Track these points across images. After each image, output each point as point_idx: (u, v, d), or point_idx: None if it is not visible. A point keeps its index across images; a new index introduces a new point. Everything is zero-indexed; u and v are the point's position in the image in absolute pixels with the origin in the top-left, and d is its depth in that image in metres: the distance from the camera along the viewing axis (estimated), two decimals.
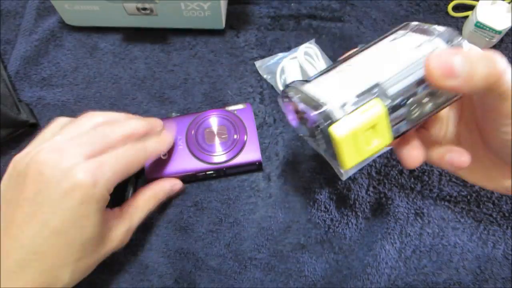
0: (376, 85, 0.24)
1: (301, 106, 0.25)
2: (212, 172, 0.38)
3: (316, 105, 0.23)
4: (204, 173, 0.38)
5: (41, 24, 0.48)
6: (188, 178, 0.39)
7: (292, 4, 0.50)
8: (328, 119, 0.23)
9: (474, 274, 0.36)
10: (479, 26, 0.44)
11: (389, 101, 0.23)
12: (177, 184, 0.38)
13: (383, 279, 0.36)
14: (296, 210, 0.38)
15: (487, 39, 0.45)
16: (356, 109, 0.23)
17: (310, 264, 0.36)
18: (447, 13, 0.49)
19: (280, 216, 0.38)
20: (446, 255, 0.36)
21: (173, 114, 0.42)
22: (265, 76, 0.45)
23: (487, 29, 0.44)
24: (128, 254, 0.37)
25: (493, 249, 0.36)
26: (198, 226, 0.38)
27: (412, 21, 0.49)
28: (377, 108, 0.23)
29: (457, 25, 0.48)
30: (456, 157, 0.26)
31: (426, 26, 0.26)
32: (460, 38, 0.24)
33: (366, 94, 0.23)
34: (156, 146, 0.34)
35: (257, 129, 0.42)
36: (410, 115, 0.24)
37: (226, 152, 0.38)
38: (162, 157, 0.38)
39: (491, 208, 0.38)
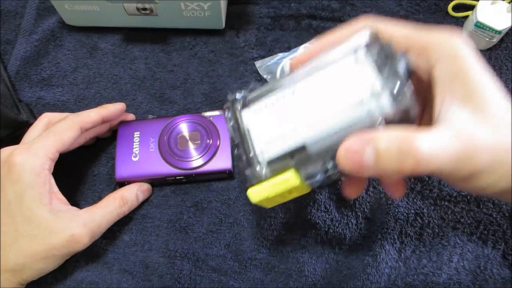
0: (302, 148, 0.24)
1: (234, 140, 0.28)
2: (182, 177, 0.38)
3: (245, 158, 0.26)
4: (173, 178, 0.38)
5: (41, 24, 0.48)
6: (157, 182, 0.39)
7: (292, 4, 0.50)
8: (248, 181, 0.26)
9: (474, 274, 0.36)
10: (479, 26, 0.44)
11: (308, 170, 0.24)
12: (143, 185, 0.38)
13: (383, 279, 0.36)
14: (296, 210, 0.38)
15: (487, 39, 0.45)
16: (273, 177, 0.25)
17: (310, 264, 0.36)
18: (447, 13, 0.49)
19: (280, 216, 0.38)
20: (446, 255, 0.36)
21: (150, 116, 0.41)
22: (265, 76, 0.45)
23: (487, 29, 0.44)
24: (128, 254, 0.37)
25: (493, 249, 0.36)
26: (198, 226, 0.38)
27: (411, 21, 0.49)
28: (291, 181, 0.24)
29: (457, 25, 0.48)
30: (392, 192, 0.29)
31: (388, 59, 0.22)
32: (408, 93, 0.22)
33: (288, 158, 0.24)
34: (85, 113, 0.36)
35: None
36: (328, 179, 0.24)
37: (197, 158, 0.38)
38: (133, 159, 0.38)
39: (491, 208, 0.38)
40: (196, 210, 0.39)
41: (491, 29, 0.43)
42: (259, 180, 0.25)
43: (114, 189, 0.37)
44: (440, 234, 0.37)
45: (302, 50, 0.44)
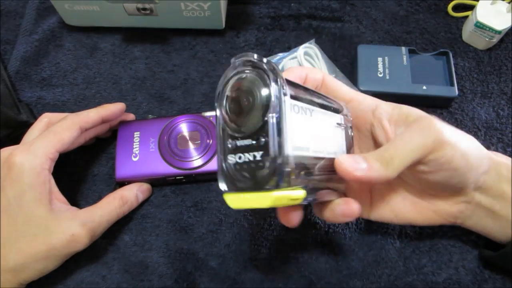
0: (313, 165, 0.25)
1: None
2: (182, 177, 0.38)
3: (275, 149, 0.22)
4: (173, 178, 0.38)
5: (41, 24, 0.48)
6: (157, 182, 0.39)
7: (292, 4, 0.50)
8: (275, 178, 0.22)
9: (473, 273, 0.36)
10: (479, 26, 0.44)
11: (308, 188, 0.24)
12: (143, 185, 0.38)
13: (383, 279, 0.36)
14: None
15: (487, 39, 0.45)
16: (286, 189, 0.22)
17: (310, 264, 0.36)
18: (447, 13, 0.49)
19: None
20: (446, 255, 0.36)
21: (150, 116, 0.41)
22: None
23: (487, 29, 0.44)
24: (128, 254, 0.37)
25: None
26: (198, 226, 0.38)
27: (411, 21, 0.49)
28: (299, 193, 0.23)
29: (457, 25, 0.48)
30: (345, 207, 0.28)
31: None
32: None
33: (304, 172, 0.24)
34: (85, 113, 0.36)
35: None
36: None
37: (197, 158, 0.38)
38: (133, 159, 0.38)
39: None
40: (196, 210, 0.39)
41: (491, 29, 0.43)
42: (285, 185, 0.22)
43: (114, 189, 0.37)
44: (439, 233, 0.37)
45: (302, 50, 0.44)
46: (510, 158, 0.32)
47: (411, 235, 0.37)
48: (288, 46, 0.47)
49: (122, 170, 0.37)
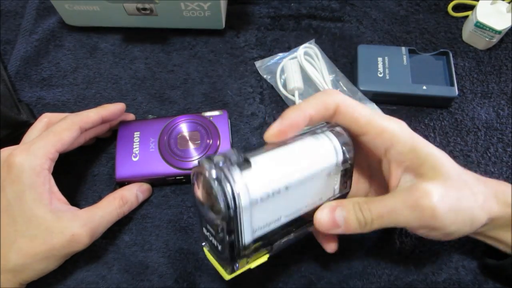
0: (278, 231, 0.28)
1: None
2: (182, 177, 0.38)
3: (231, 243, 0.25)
4: (173, 178, 0.38)
5: (41, 24, 0.48)
6: (157, 182, 0.39)
7: (292, 4, 0.50)
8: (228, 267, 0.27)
9: (473, 273, 0.36)
10: (479, 26, 0.44)
11: (274, 248, 0.29)
12: (143, 185, 0.38)
13: (383, 279, 0.36)
14: None
15: (487, 39, 0.45)
16: (250, 261, 0.28)
17: (310, 264, 0.36)
18: (447, 13, 0.49)
19: None
20: (446, 255, 0.36)
21: (150, 116, 0.42)
22: (265, 76, 0.45)
23: (487, 29, 0.44)
24: (128, 254, 0.37)
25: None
26: (198, 226, 0.38)
27: (411, 21, 0.49)
28: (263, 260, 0.28)
29: (457, 25, 0.48)
30: (325, 245, 0.33)
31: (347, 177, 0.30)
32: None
33: (268, 245, 0.28)
34: (85, 113, 0.36)
35: (257, 130, 0.42)
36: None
37: (197, 158, 0.38)
38: (133, 159, 0.38)
39: None
40: (196, 210, 0.39)
41: (491, 29, 0.43)
42: (239, 269, 0.27)
43: (114, 189, 0.37)
44: None
45: (302, 50, 0.44)
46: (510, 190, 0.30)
47: (411, 235, 0.37)
48: (288, 46, 0.47)
49: (122, 170, 0.37)
